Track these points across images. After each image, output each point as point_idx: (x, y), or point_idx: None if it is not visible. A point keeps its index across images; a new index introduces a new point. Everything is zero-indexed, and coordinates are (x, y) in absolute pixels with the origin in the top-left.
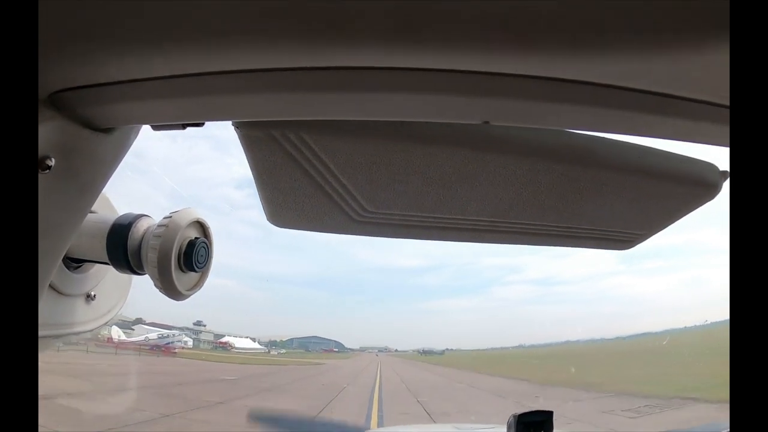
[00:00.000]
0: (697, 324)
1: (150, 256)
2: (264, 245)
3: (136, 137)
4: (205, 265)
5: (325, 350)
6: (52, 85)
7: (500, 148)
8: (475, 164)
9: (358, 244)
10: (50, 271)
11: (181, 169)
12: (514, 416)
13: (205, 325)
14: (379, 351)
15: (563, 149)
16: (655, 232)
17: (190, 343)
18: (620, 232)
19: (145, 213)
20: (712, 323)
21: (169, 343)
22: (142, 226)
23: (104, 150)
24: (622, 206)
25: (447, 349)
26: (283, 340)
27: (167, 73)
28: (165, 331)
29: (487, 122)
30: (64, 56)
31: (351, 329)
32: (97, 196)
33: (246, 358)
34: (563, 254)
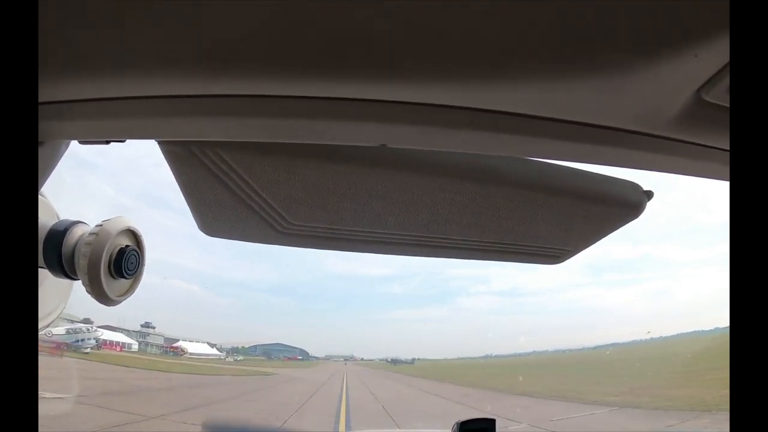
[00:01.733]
0: (665, 335)
1: (81, 263)
2: (229, 251)
3: (66, 149)
4: (135, 273)
5: (289, 357)
6: None
7: (405, 167)
8: (383, 183)
9: (323, 252)
10: None
11: (145, 170)
12: (458, 423)
13: (154, 327)
14: (345, 359)
15: (471, 169)
16: (583, 249)
17: (135, 346)
18: (546, 248)
19: (81, 220)
20: (680, 334)
21: (78, 341)
22: (76, 232)
23: None
24: (542, 224)
25: (415, 359)
26: (246, 346)
27: (93, 96)
28: (81, 326)
29: (383, 145)
30: None
31: (316, 337)
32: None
33: (173, 365)
34: (530, 267)
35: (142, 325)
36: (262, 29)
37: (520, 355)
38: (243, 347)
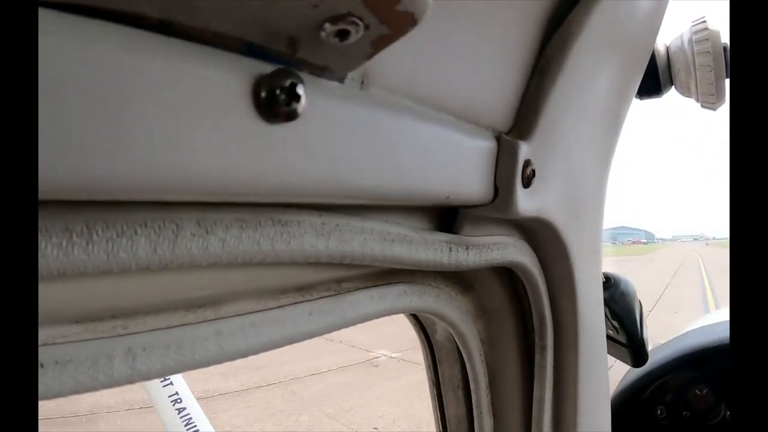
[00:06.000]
0: None
1: (700, 61)
2: None
3: None
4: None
5: (632, 241)
6: None
7: None
8: None
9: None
10: None
11: None
12: None
13: None
14: (695, 239)
15: None
16: None
17: None
18: None
19: None
20: None
21: None
22: (659, 44)
23: None
24: None
25: None
26: None
27: None
28: None
29: None
30: None
31: (661, 216)
32: None
33: None
34: None
35: None
36: None
37: None
38: None
